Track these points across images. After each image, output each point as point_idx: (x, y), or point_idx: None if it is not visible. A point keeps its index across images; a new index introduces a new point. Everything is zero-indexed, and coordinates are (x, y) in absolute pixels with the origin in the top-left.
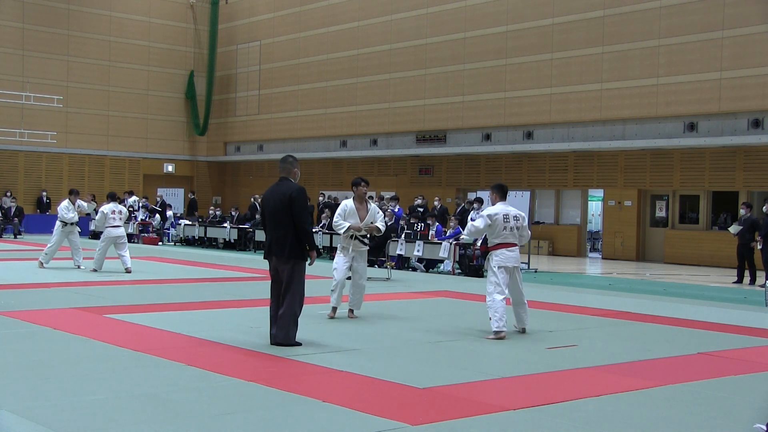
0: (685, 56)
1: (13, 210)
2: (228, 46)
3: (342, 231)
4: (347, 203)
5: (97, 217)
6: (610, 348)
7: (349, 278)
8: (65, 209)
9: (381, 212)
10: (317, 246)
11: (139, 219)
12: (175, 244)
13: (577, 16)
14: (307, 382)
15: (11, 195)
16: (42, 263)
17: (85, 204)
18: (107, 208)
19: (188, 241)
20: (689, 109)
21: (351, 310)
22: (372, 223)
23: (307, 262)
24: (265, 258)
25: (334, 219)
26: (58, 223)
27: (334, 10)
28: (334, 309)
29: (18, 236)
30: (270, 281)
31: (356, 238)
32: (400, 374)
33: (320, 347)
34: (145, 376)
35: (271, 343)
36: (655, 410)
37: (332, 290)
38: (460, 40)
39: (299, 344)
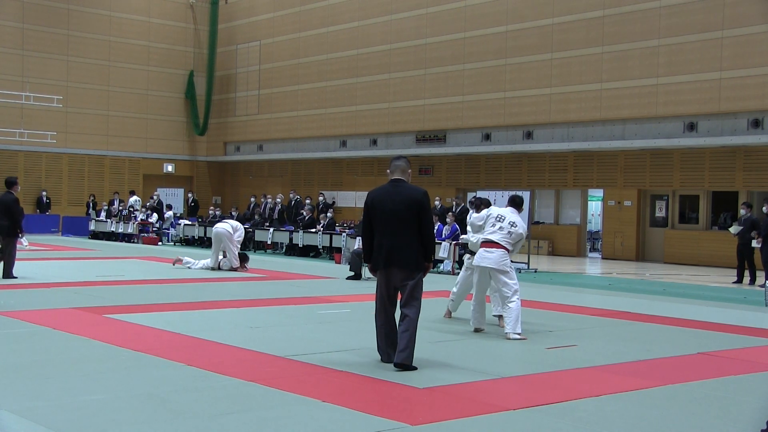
0: (685, 56)
1: None
2: (228, 46)
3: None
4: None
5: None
6: (610, 348)
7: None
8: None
9: None
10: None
11: (138, 219)
12: (174, 244)
13: (577, 16)
14: (307, 382)
15: None
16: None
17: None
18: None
19: (188, 241)
20: (689, 109)
21: None
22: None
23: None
24: (376, 269)
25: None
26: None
27: (334, 10)
28: None
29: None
30: (379, 295)
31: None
32: (400, 374)
33: (320, 347)
34: (145, 376)
35: (396, 364)
36: (655, 410)
37: None
38: (460, 40)
39: (416, 367)
